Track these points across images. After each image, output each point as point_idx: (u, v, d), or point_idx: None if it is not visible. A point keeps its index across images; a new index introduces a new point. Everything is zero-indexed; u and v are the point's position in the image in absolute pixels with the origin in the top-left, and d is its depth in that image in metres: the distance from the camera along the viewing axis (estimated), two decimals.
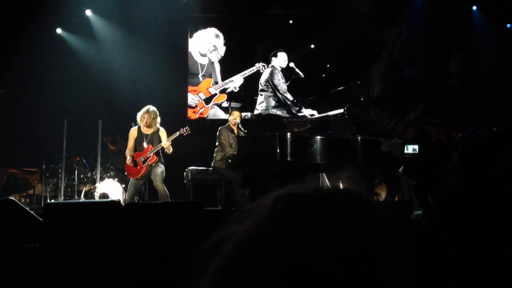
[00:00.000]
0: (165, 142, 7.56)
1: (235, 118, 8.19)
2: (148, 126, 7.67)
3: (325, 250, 0.57)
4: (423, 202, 6.64)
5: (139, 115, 7.73)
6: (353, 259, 0.57)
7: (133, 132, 7.78)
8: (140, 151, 7.69)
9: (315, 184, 0.66)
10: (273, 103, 11.31)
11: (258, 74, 11.35)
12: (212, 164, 8.13)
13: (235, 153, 7.79)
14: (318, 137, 7.22)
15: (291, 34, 11.31)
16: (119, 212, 4.70)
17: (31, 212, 4.93)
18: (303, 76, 11.26)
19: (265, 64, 11.30)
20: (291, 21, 11.42)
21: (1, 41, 9.92)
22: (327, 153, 7.13)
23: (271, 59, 11.34)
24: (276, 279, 0.57)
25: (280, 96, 11.29)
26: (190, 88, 11.31)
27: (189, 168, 8.44)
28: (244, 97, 11.31)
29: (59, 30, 10.88)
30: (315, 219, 0.60)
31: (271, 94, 11.32)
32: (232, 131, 8.15)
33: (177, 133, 7.69)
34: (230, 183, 7.94)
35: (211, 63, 11.40)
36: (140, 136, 7.72)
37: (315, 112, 11.22)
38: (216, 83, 11.35)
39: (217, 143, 8.16)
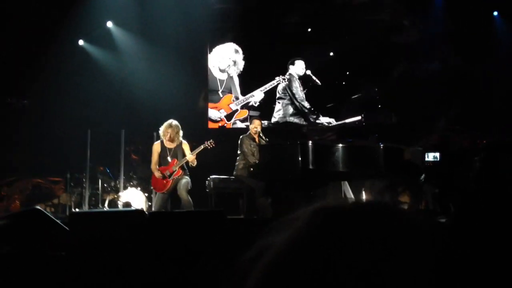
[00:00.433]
0: (190, 156, 7.60)
1: (256, 126, 8.19)
2: (171, 140, 7.70)
3: (360, 265, 0.58)
4: (445, 210, 6.56)
5: (161, 130, 7.77)
6: (390, 276, 0.57)
7: (156, 147, 7.83)
8: (165, 165, 7.73)
9: (355, 198, 0.67)
10: (290, 111, 11.29)
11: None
12: (234, 173, 8.13)
13: (257, 162, 7.80)
14: (340, 145, 7.19)
15: (309, 42, 11.29)
16: (144, 221, 4.73)
17: (57, 221, 4.98)
18: (320, 83, 11.23)
19: (285, 77, 11.27)
20: (309, 29, 11.41)
21: (25, 53, 10.09)
22: (349, 161, 7.09)
23: (288, 67, 11.33)
24: None
25: (297, 104, 11.26)
26: (210, 105, 11.28)
27: (211, 176, 8.47)
28: (262, 105, 11.30)
29: (81, 42, 11.04)
30: (352, 234, 0.60)
31: (289, 102, 11.30)
32: (254, 139, 8.16)
33: (202, 147, 7.74)
34: (252, 191, 7.94)
35: (230, 77, 11.39)
36: (164, 150, 7.76)
37: (332, 120, 11.17)
38: (237, 98, 11.33)
39: (238, 152, 8.17)
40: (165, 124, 7.77)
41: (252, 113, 10.97)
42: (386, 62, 11.02)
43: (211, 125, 11.19)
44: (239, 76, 11.42)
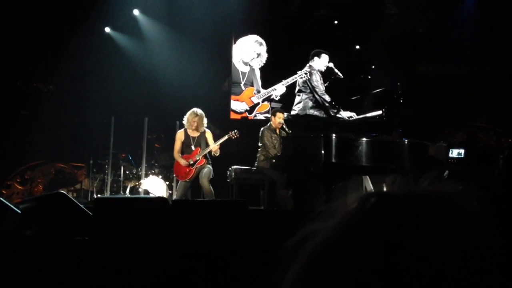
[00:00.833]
0: (214, 146, 7.61)
1: (279, 119, 8.18)
2: (196, 129, 7.72)
3: (415, 251, 0.57)
4: None
5: (186, 118, 7.78)
6: (448, 263, 0.56)
7: (180, 135, 7.86)
8: (188, 154, 7.76)
9: (408, 186, 0.65)
10: (310, 104, 11.19)
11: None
12: (256, 164, 8.14)
13: (278, 154, 7.78)
14: (364, 139, 7.12)
15: (335, 35, 11.17)
16: (166, 209, 4.76)
17: (81, 205, 5.04)
18: (342, 77, 11.13)
19: (307, 72, 11.18)
20: (336, 22, 11.29)
21: (52, 40, 10.20)
22: (372, 156, 7.02)
23: (312, 59, 11.23)
24: (369, 277, 0.57)
25: (318, 97, 11.17)
26: (232, 97, 11.23)
27: (232, 167, 8.48)
28: (282, 97, 11.24)
29: (107, 29, 11.11)
30: (407, 219, 0.59)
31: (309, 95, 11.21)
32: (274, 131, 8.14)
33: (226, 137, 7.75)
34: (273, 183, 7.93)
35: (252, 70, 11.33)
36: (188, 139, 7.79)
37: (353, 114, 11.07)
38: (258, 91, 11.30)
39: (260, 144, 8.16)
40: (191, 112, 7.78)
41: (274, 105, 10.92)
42: (412, 58, 10.87)
43: (233, 115, 11.18)
44: (261, 69, 11.37)
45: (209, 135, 7.80)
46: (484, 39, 10.48)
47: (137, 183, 9.40)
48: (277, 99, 11.23)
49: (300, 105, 11.22)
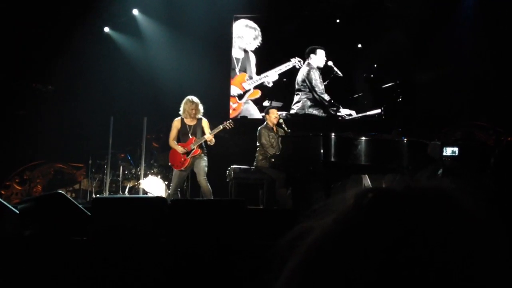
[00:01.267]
0: (208, 136, 7.64)
1: (275, 116, 8.18)
2: (194, 116, 7.74)
3: (413, 247, 0.56)
4: None
5: (183, 108, 7.79)
6: (446, 259, 0.55)
7: (176, 123, 7.87)
8: (183, 142, 7.78)
9: (406, 182, 0.64)
10: (309, 103, 11.17)
11: (294, 72, 11.25)
12: (255, 164, 8.13)
13: (277, 153, 7.77)
14: (363, 138, 7.10)
15: (337, 33, 11.13)
16: (165, 208, 4.76)
17: (80, 206, 5.03)
18: (341, 75, 11.10)
19: (301, 60, 11.16)
20: (338, 20, 11.24)
21: (51, 40, 10.18)
22: (372, 155, 7.00)
23: (307, 57, 11.21)
24: (367, 274, 0.56)
25: (317, 96, 11.15)
26: None
27: (231, 166, 8.48)
28: (280, 96, 11.22)
29: (106, 29, 11.11)
30: (405, 215, 0.58)
31: (308, 94, 11.19)
32: (272, 129, 8.14)
33: (221, 127, 7.77)
34: (273, 182, 7.93)
35: (247, 56, 11.33)
36: (184, 127, 7.80)
37: (353, 112, 11.05)
38: (251, 77, 11.30)
39: (257, 143, 8.15)
40: (186, 101, 7.79)
41: (275, 103, 10.90)
42: (411, 58, 10.85)
43: (232, 114, 11.16)
44: (256, 55, 11.32)
45: (205, 123, 7.81)
46: (484, 39, 10.47)
47: (136, 183, 9.40)
48: (269, 85, 11.19)
49: (299, 104, 11.21)
